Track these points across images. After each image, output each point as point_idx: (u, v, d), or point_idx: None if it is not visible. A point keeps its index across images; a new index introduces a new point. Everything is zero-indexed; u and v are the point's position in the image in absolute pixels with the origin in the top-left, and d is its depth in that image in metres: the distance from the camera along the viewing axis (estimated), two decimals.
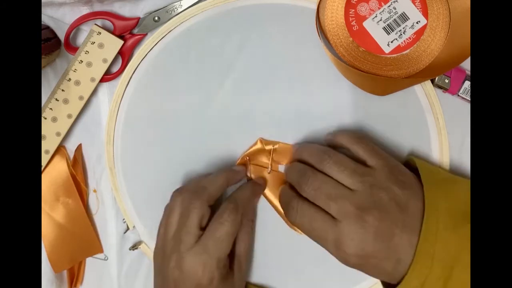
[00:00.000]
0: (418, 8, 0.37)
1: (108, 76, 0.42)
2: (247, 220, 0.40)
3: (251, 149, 0.41)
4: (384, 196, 0.33)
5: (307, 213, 0.35)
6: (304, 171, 0.36)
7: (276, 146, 0.41)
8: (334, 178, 0.35)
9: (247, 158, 0.41)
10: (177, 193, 0.38)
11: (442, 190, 0.34)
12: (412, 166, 0.38)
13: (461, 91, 0.39)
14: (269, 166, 0.41)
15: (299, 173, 0.36)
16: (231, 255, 0.38)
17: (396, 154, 0.40)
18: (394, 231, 0.32)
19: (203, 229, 0.36)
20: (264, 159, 0.41)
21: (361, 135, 0.37)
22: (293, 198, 0.36)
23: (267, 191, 0.41)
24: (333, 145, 0.38)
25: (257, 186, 0.41)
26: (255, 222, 0.42)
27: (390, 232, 0.32)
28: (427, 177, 0.35)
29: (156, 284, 0.39)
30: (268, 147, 0.41)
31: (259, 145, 0.41)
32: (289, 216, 0.36)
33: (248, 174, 0.42)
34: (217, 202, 0.38)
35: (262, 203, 0.42)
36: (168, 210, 0.38)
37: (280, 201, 0.39)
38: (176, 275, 0.36)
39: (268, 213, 0.42)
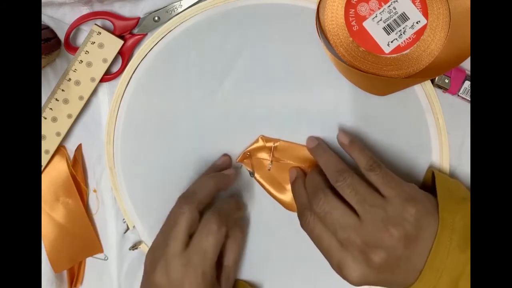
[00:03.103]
0: (418, 8, 0.37)
1: (108, 76, 0.42)
2: (237, 231, 0.39)
3: (252, 146, 0.41)
4: (394, 232, 0.33)
5: (316, 229, 0.35)
6: (317, 190, 0.36)
7: (277, 144, 0.41)
8: (345, 199, 0.35)
9: (248, 153, 0.41)
10: (179, 197, 0.38)
11: (460, 210, 0.34)
12: (427, 182, 0.38)
13: (461, 91, 0.39)
14: (270, 163, 0.41)
15: (313, 190, 0.36)
16: (218, 265, 0.38)
17: (396, 155, 0.40)
18: (399, 264, 0.33)
19: (191, 236, 0.36)
20: (265, 156, 0.41)
21: (376, 160, 0.36)
22: (307, 209, 0.36)
23: (267, 185, 0.42)
24: (346, 152, 0.38)
25: (240, 203, 0.41)
26: (246, 233, 0.42)
27: (395, 266, 0.33)
28: (444, 197, 0.35)
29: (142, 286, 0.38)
30: (268, 144, 0.41)
31: (260, 142, 0.41)
32: (300, 223, 0.37)
33: (251, 169, 0.42)
34: (207, 208, 0.38)
35: (260, 200, 0.42)
36: (168, 214, 0.38)
37: (294, 197, 0.39)
38: (162, 282, 0.35)
39: (266, 210, 0.42)
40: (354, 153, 0.37)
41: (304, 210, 0.36)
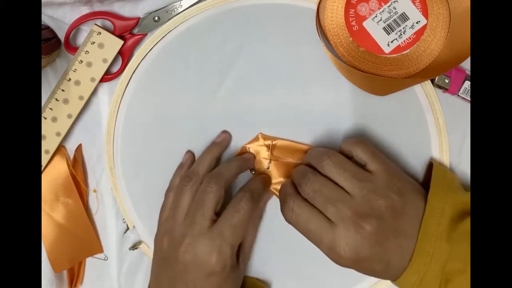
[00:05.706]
0: (418, 8, 0.37)
1: (108, 76, 0.42)
2: (256, 214, 0.41)
3: (252, 143, 0.41)
4: (382, 203, 0.33)
5: (303, 213, 0.35)
6: (306, 172, 0.36)
7: (275, 142, 0.41)
8: (333, 180, 0.35)
9: (248, 147, 0.41)
10: (187, 177, 0.39)
11: (451, 198, 0.35)
12: (426, 176, 0.39)
13: (461, 91, 0.39)
14: (268, 161, 0.41)
15: (301, 174, 0.36)
16: (238, 247, 0.38)
17: (396, 154, 0.40)
18: (388, 237, 0.33)
19: (217, 214, 0.37)
20: (264, 155, 0.41)
21: (363, 139, 0.37)
22: (291, 196, 0.36)
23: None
24: (341, 152, 0.38)
25: (267, 179, 0.41)
26: (262, 219, 0.42)
27: (384, 238, 0.33)
28: (438, 183, 0.36)
29: (156, 271, 0.38)
30: (267, 142, 0.41)
31: (259, 140, 0.41)
32: (284, 213, 0.36)
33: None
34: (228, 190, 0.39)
35: None
36: (176, 193, 0.38)
37: (279, 196, 0.39)
38: (188, 259, 0.36)
39: (268, 209, 0.42)
40: (345, 143, 0.38)
41: (286, 198, 0.36)
